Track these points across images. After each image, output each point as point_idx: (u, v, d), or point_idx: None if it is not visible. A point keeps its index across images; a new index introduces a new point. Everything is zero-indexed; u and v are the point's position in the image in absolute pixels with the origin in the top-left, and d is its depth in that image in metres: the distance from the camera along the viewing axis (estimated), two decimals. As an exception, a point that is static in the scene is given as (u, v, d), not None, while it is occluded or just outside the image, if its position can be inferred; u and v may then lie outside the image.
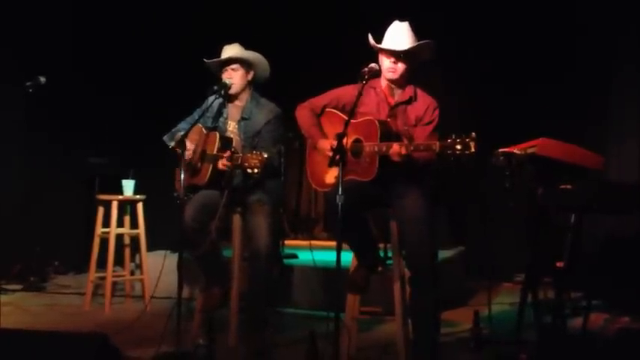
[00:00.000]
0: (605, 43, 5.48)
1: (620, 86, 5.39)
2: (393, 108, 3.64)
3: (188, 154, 3.99)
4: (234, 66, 4.14)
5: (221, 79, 4.14)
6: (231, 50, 4.17)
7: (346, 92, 3.72)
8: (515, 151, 3.72)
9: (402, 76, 3.61)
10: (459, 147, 3.13)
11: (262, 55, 4.21)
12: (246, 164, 3.68)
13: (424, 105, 3.62)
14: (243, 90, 4.19)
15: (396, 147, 3.33)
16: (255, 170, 3.67)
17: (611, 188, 3.79)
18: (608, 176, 4.88)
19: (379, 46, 3.58)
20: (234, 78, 4.13)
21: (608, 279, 4.56)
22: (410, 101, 3.64)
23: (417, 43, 3.54)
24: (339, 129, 3.49)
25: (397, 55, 3.56)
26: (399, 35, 3.58)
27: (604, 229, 4.92)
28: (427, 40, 3.54)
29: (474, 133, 3.12)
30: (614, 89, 5.45)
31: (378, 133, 3.45)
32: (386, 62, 3.59)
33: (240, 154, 3.80)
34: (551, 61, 5.79)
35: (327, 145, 3.58)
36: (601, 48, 5.51)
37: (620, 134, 5.37)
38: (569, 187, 3.62)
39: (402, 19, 3.62)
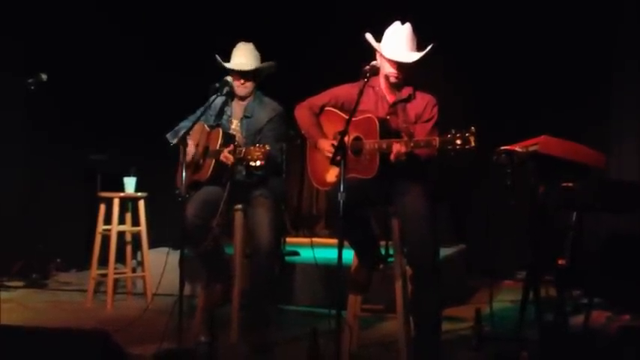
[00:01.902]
0: (605, 42, 5.47)
1: (621, 86, 5.39)
2: (392, 106, 3.64)
3: (189, 154, 3.99)
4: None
5: (226, 73, 4.13)
6: (246, 54, 4.14)
7: (344, 91, 3.72)
8: (517, 149, 3.72)
9: (403, 81, 3.62)
10: (459, 142, 3.13)
11: (264, 53, 4.21)
12: (249, 157, 3.68)
13: (423, 102, 3.62)
14: (251, 94, 4.21)
15: (396, 144, 3.33)
16: (258, 163, 3.66)
17: (613, 186, 3.80)
18: (609, 175, 4.88)
19: (386, 56, 3.56)
20: (246, 84, 4.15)
21: (610, 277, 4.57)
22: (409, 99, 3.64)
23: (423, 53, 3.53)
24: (339, 127, 3.49)
25: (402, 68, 3.56)
26: (403, 42, 3.55)
27: (605, 227, 4.92)
28: (430, 46, 3.52)
29: (473, 127, 3.11)
30: (614, 88, 5.45)
31: (377, 131, 3.45)
32: (387, 67, 3.58)
33: (243, 148, 3.79)
34: (553, 60, 5.78)
35: (327, 145, 3.57)
36: (601, 47, 5.51)
37: (620, 133, 5.36)
38: (570, 185, 3.62)
39: (403, 18, 3.60)
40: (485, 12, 5.95)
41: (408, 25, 3.59)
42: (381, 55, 3.59)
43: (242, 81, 4.14)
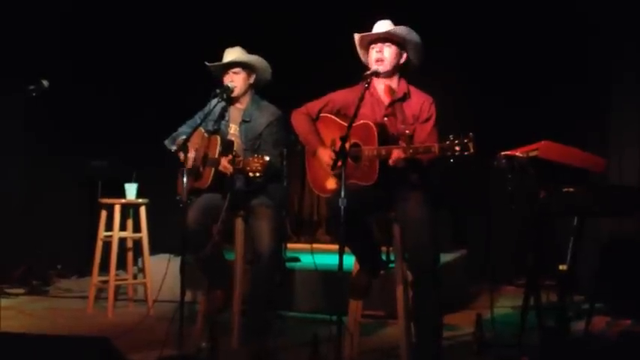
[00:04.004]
0: (605, 46, 5.47)
1: (621, 90, 5.39)
2: (388, 106, 3.64)
3: (190, 161, 4.00)
4: (235, 69, 4.15)
5: (223, 82, 4.15)
6: (232, 54, 4.17)
7: (341, 96, 3.73)
8: (518, 154, 3.73)
9: (391, 66, 3.61)
10: (457, 148, 3.13)
11: (263, 58, 4.22)
12: (248, 168, 3.68)
13: (419, 102, 3.62)
14: (244, 93, 4.20)
15: (395, 151, 3.33)
16: (257, 174, 3.66)
17: (613, 191, 3.79)
18: (609, 180, 4.88)
19: (362, 34, 3.61)
20: (236, 81, 4.14)
21: (611, 282, 4.56)
22: (404, 98, 3.64)
23: (396, 27, 3.57)
24: (335, 134, 3.50)
25: (380, 41, 3.58)
26: (381, 27, 3.62)
27: (606, 232, 4.91)
28: (403, 27, 3.57)
29: (471, 134, 3.12)
30: (614, 93, 5.44)
31: (376, 137, 3.45)
32: (372, 54, 3.61)
33: (242, 158, 3.79)
34: (553, 65, 5.79)
35: (326, 155, 3.57)
36: (602, 51, 5.51)
37: (620, 138, 5.36)
38: (571, 189, 3.62)
39: (402, 22, 3.63)
40: (485, 18, 5.96)
41: (388, 20, 3.64)
42: (365, 46, 3.63)
43: (230, 74, 4.14)
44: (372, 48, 3.62)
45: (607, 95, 5.45)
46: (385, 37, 3.60)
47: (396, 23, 3.64)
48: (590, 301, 4.28)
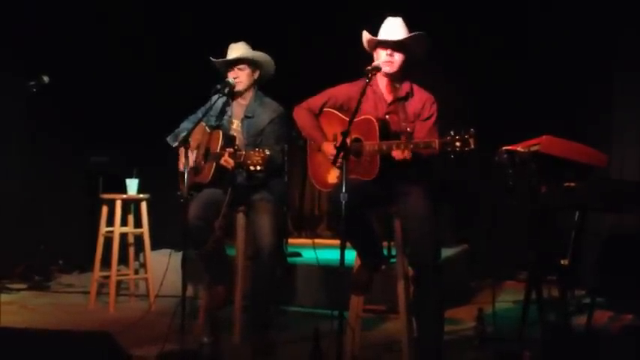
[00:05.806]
0: (607, 41, 5.46)
1: (622, 86, 5.38)
2: (390, 105, 3.63)
3: (191, 162, 3.99)
4: (240, 65, 4.14)
5: (226, 77, 4.15)
6: (237, 50, 4.17)
7: (342, 91, 3.71)
8: (519, 148, 3.72)
9: (399, 69, 3.59)
10: (458, 144, 3.13)
11: (266, 53, 4.22)
12: (249, 161, 3.68)
13: (421, 101, 3.61)
14: (248, 89, 4.20)
15: (395, 148, 3.33)
16: (258, 167, 3.66)
17: (615, 186, 3.79)
18: (610, 175, 4.87)
19: (375, 38, 3.58)
20: (241, 77, 4.14)
21: (612, 277, 4.56)
22: (407, 97, 3.63)
23: (411, 34, 3.54)
24: (338, 129, 3.49)
25: (393, 47, 3.55)
26: (393, 28, 3.58)
27: (608, 227, 4.91)
28: (421, 32, 3.54)
29: (472, 129, 3.11)
30: (615, 88, 5.44)
31: (377, 132, 3.44)
32: (382, 55, 3.57)
33: (243, 152, 3.79)
34: (554, 60, 5.78)
35: (330, 148, 3.56)
36: (603, 46, 5.50)
37: (621, 133, 5.35)
38: (572, 184, 3.62)
39: (404, 18, 3.61)
40: (486, 11, 5.95)
41: (399, 18, 3.62)
42: (375, 46, 3.60)
43: (235, 70, 4.14)
44: (382, 49, 3.59)
45: (609, 94, 5.44)
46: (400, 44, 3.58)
47: (399, 17, 3.62)
48: (591, 295, 4.28)
